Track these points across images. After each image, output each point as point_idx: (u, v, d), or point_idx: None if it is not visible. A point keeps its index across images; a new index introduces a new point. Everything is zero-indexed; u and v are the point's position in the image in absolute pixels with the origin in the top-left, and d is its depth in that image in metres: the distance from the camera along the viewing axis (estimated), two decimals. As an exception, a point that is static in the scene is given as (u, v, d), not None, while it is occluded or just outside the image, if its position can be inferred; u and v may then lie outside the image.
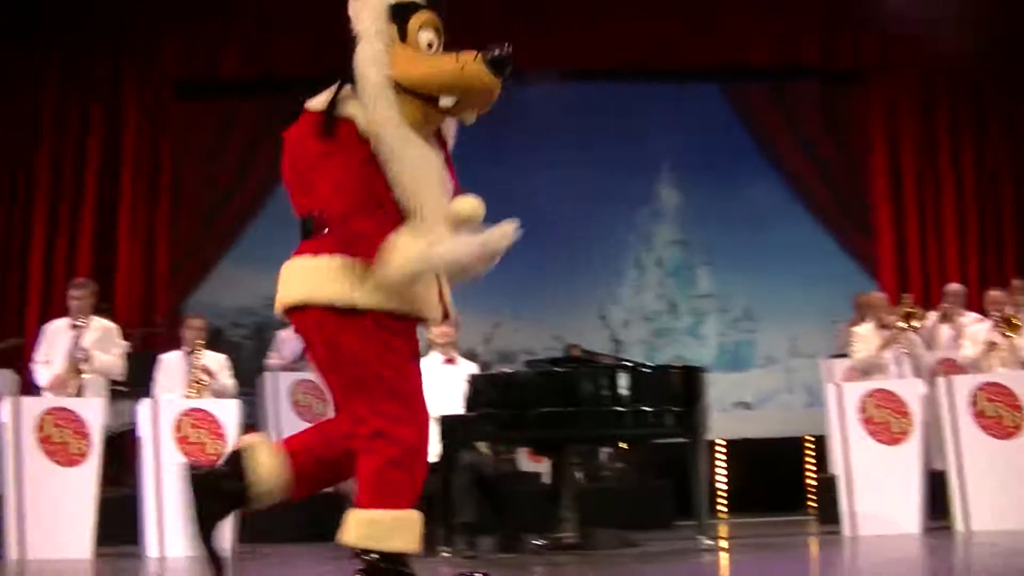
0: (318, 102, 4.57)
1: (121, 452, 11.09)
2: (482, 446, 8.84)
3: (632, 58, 14.76)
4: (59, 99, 14.42)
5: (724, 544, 9.04)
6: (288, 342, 12.04)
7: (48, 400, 9.42)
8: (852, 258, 15.00)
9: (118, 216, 14.15)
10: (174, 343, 11.29)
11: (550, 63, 14.20)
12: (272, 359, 12.14)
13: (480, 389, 8.35)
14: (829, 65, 15.13)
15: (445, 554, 8.04)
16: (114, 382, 10.48)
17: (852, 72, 15.23)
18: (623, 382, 8.32)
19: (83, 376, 9.78)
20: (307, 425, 11.15)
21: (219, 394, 10.04)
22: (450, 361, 9.12)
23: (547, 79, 14.38)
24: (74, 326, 10.08)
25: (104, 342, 10.15)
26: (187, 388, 10.07)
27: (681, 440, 8.66)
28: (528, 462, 10.96)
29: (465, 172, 14.29)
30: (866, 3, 14.11)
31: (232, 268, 14.68)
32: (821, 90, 15.47)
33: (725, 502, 13.68)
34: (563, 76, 14.58)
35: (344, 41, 4.78)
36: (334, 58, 13.06)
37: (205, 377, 10.17)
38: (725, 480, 13.78)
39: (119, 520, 9.37)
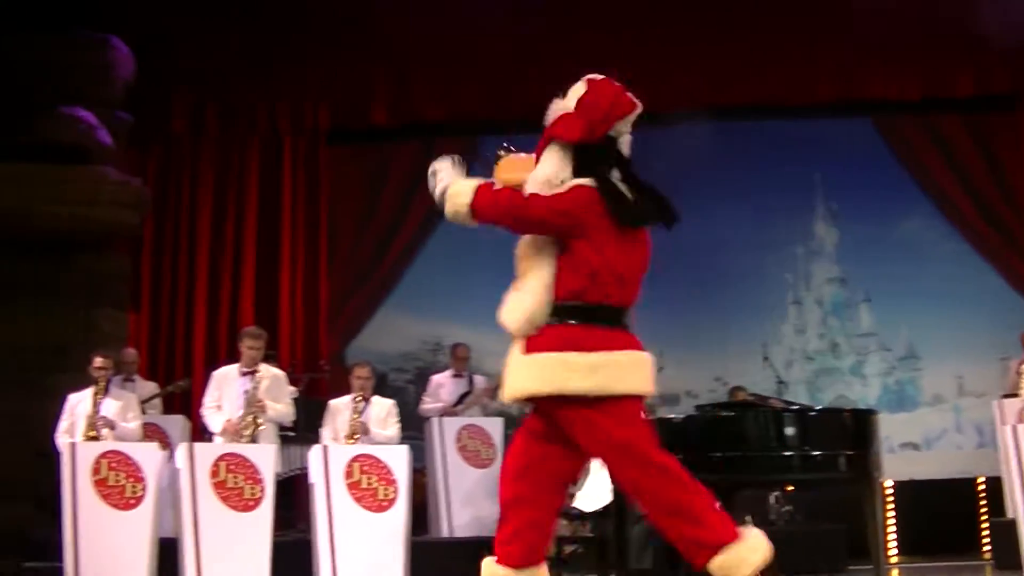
0: None
1: (291, 497, 11.26)
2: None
3: (783, 94, 14.64)
4: (219, 151, 14.76)
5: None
6: (445, 387, 12.14)
7: (222, 446, 9.54)
8: (1016, 292, 14.63)
9: (279, 262, 14.41)
10: (337, 387, 11.42)
11: (699, 102, 14.19)
12: (426, 403, 12.19)
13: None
14: (981, 92, 14.79)
15: (620, 601, 7.97)
16: (282, 427, 10.60)
17: (1004, 98, 14.87)
18: (793, 426, 8.16)
19: (260, 427, 9.87)
20: (474, 470, 11.32)
21: (382, 442, 10.08)
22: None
23: (696, 118, 14.33)
24: (247, 373, 10.19)
25: (274, 390, 10.25)
26: (346, 438, 10.11)
27: (851, 483, 8.48)
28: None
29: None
30: (1016, 29, 13.82)
31: (392, 313, 14.88)
32: (974, 119, 15.11)
33: (895, 545, 13.36)
34: (713, 114, 14.49)
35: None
36: (473, 103, 13.18)
37: (364, 430, 10.24)
38: (894, 523, 13.46)
39: (292, 563, 9.48)
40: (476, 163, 5.41)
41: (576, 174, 5.00)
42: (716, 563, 4.70)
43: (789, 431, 8.10)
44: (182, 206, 14.63)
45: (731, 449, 8.03)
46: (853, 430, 8.28)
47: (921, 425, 14.53)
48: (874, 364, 14.78)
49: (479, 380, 12.23)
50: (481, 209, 5.05)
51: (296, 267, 14.48)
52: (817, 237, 15.12)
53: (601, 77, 5.26)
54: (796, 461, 8.13)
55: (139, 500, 9.19)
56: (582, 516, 8.81)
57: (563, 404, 4.83)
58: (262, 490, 9.09)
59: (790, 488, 11.74)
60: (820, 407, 9.52)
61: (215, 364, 11.52)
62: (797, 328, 14.91)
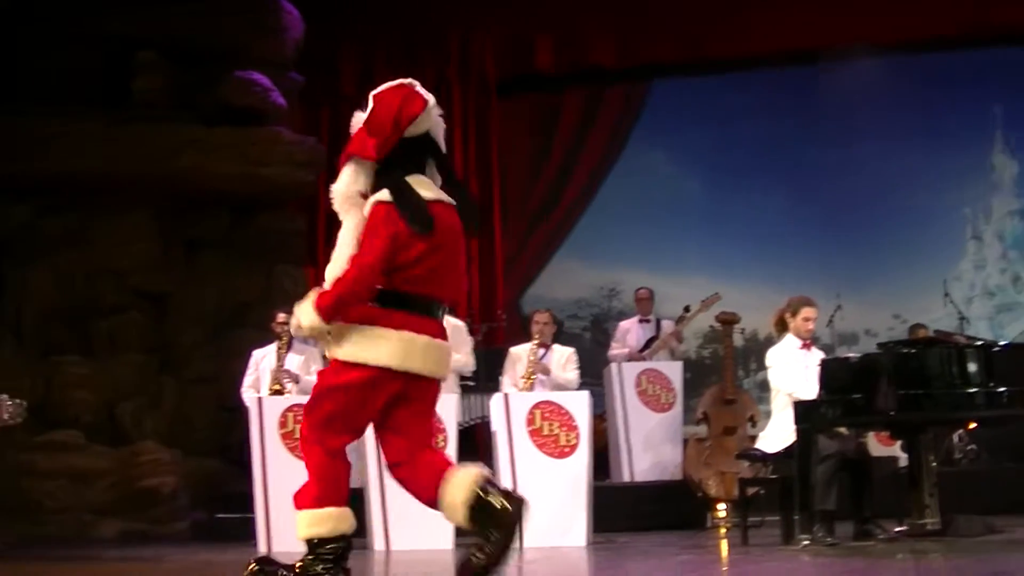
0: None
1: (473, 445, 11.42)
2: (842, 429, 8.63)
3: (957, 25, 14.28)
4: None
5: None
6: (632, 332, 12.18)
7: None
8: None
9: (453, 212, 14.54)
10: (514, 336, 11.50)
11: (869, 38, 13.97)
12: (614, 349, 12.26)
13: (833, 373, 8.20)
14: None
15: (805, 542, 7.92)
16: (463, 377, 10.71)
17: None
18: (977, 362, 8.02)
19: (442, 376, 9.94)
20: (654, 414, 11.36)
21: (560, 387, 10.15)
22: (806, 346, 8.90)
23: (868, 55, 14.14)
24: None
25: (454, 340, 10.32)
26: (523, 379, 10.19)
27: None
28: (879, 446, 10.75)
29: (789, 166, 14.13)
30: None
31: (566, 260, 14.98)
32: None
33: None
34: (884, 50, 14.26)
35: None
36: (645, 47, 13.10)
37: (543, 371, 10.34)
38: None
39: (475, 511, 9.61)
40: None
41: (377, 182, 5.30)
42: (304, 516, 5.28)
43: (973, 367, 7.97)
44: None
45: (913, 387, 7.94)
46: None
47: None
48: (1059, 299, 14.47)
49: (666, 324, 12.23)
50: (324, 308, 5.22)
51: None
52: (996, 169, 14.79)
53: (386, 87, 5.37)
54: (980, 398, 8.00)
55: (325, 451, 9.32)
56: (764, 458, 8.77)
57: None
58: (444, 440, 9.11)
59: (973, 426, 11.54)
60: (1006, 342, 9.29)
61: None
62: (977, 263, 14.63)
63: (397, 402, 5.31)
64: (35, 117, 12.46)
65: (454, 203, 5.38)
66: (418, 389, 5.33)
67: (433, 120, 5.42)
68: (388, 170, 5.28)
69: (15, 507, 11.11)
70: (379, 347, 5.20)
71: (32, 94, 12.65)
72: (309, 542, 5.30)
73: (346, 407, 5.27)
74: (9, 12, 12.53)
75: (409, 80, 5.40)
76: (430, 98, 5.38)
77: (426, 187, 5.30)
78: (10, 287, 12.58)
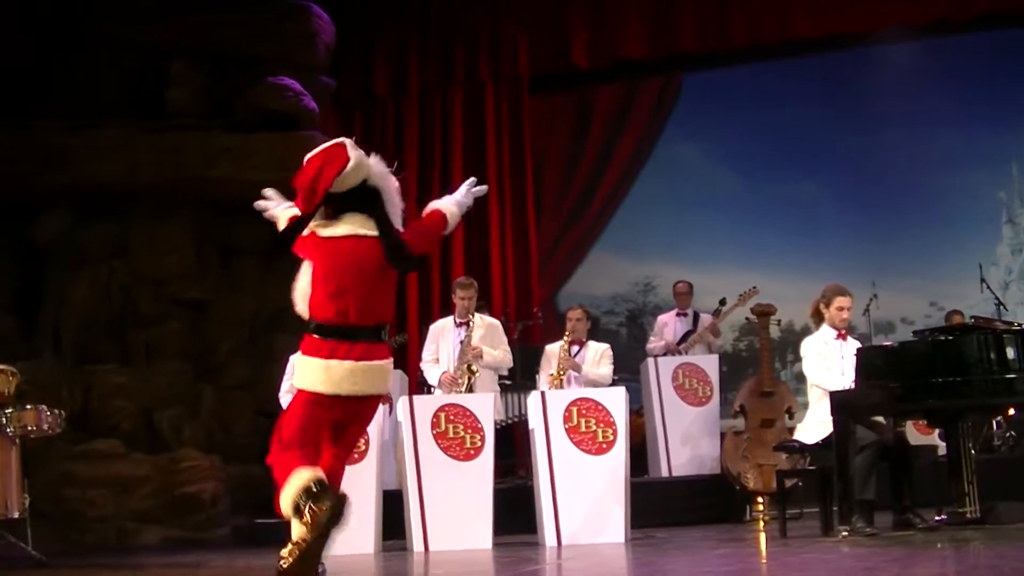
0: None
1: (511, 444, 11.42)
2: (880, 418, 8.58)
3: (986, 5, 14.15)
4: (422, 106, 14.97)
5: None
6: (670, 326, 12.17)
7: (441, 397, 9.68)
8: None
9: (488, 211, 14.52)
10: (550, 334, 11.51)
11: (901, 21, 13.90)
12: (652, 343, 12.26)
13: (870, 362, 8.16)
14: None
15: (844, 533, 7.89)
16: (500, 376, 10.71)
17: None
18: (1015, 346, 7.96)
19: (475, 374, 9.95)
20: (691, 408, 11.36)
21: (593, 383, 10.16)
22: (841, 336, 8.82)
23: (900, 38, 14.08)
24: (461, 324, 10.30)
25: (491, 337, 10.32)
26: (553, 377, 10.20)
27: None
28: (917, 435, 10.69)
29: (823, 155, 14.03)
30: None
31: (601, 257, 14.97)
32: None
33: None
34: (916, 33, 14.19)
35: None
36: (677, 39, 13.00)
37: (575, 367, 10.36)
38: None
39: (514, 509, 9.64)
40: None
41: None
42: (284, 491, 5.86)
43: (1011, 353, 7.92)
44: (388, 164, 14.84)
45: (951, 374, 7.90)
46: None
47: None
48: (1098, 284, 14.36)
49: (704, 318, 12.21)
50: None
51: (504, 216, 14.58)
52: (1031, 152, 14.72)
53: (316, 151, 6.19)
54: (1019, 384, 7.95)
55: (362, 455, 9.21)
56: (802, 449, 8.74)
57: None
58: (482, 439, 9.18)
59: (1012, 412, 11.44)
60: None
61: (429, 318, 11.72)
62: (1013, 248, 14.53)
63: (343, 420, 6.13)
64: (70, 127, 12.56)
65: (375, 235, 6.10)
66: (352, 408, 6.11)
67: (365, 172, 6.16)
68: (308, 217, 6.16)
69: (56, 516, 11.16)
70: (314, 375, 6.01)
71: (67, 104, 12.74)
72: (295, 513, 5.82)
73: (302, 422, 6.04)
74: (43, 22, 12.63)
75: (341, 140, 6.21)
76: (354, 156, 6.09)
77: (349, 224, 6.12)
78: (48, 297, 12.67)
